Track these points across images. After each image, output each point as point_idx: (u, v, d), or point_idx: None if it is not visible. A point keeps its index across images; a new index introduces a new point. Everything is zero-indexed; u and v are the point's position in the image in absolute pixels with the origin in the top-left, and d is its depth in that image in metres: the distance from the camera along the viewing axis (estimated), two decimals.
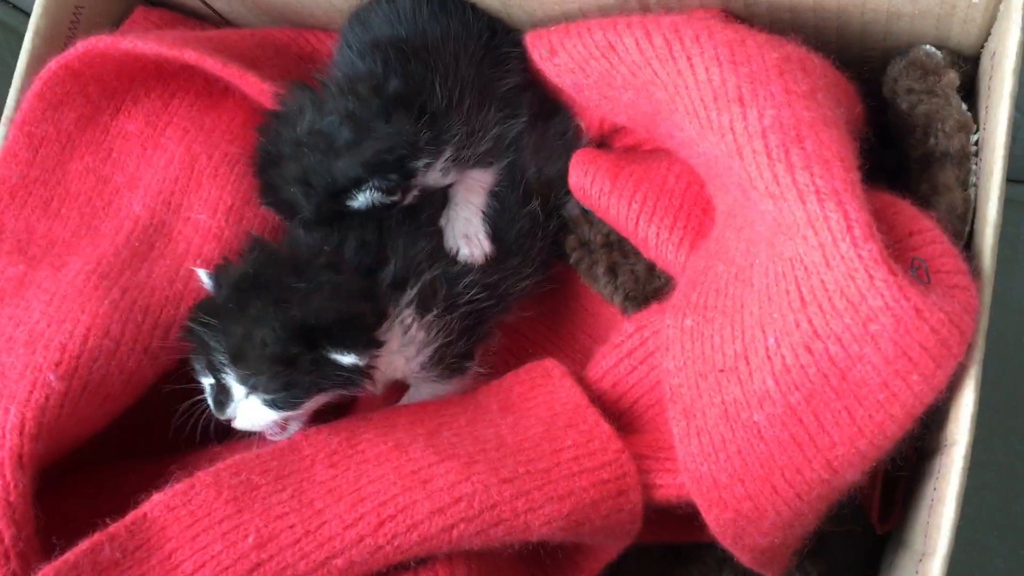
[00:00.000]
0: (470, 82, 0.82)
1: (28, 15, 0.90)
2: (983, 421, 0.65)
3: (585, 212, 0.88)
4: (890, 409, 0.63)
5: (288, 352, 0.71)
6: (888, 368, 0.62)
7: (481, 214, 0.84)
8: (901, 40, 0.79)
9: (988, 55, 0.74)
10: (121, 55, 0.86)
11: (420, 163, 0.77)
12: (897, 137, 0.79)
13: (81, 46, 0.84)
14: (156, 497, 0.69)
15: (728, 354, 0.68)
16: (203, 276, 0.76)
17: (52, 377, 0.72)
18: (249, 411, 0.73)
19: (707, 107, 0.71)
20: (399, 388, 0.86)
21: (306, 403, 0.73)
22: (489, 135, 0.83)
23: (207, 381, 0.75)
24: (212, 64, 0.87)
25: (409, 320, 0.78)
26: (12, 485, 0.68)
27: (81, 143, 0.86)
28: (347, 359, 0.72)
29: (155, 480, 0.71)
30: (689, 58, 0.73)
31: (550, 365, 0.79)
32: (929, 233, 0.65)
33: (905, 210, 0.67)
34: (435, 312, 0.79)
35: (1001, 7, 0.70)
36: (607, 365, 0.79)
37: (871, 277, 0.60)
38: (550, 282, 0.91)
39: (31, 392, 0.71)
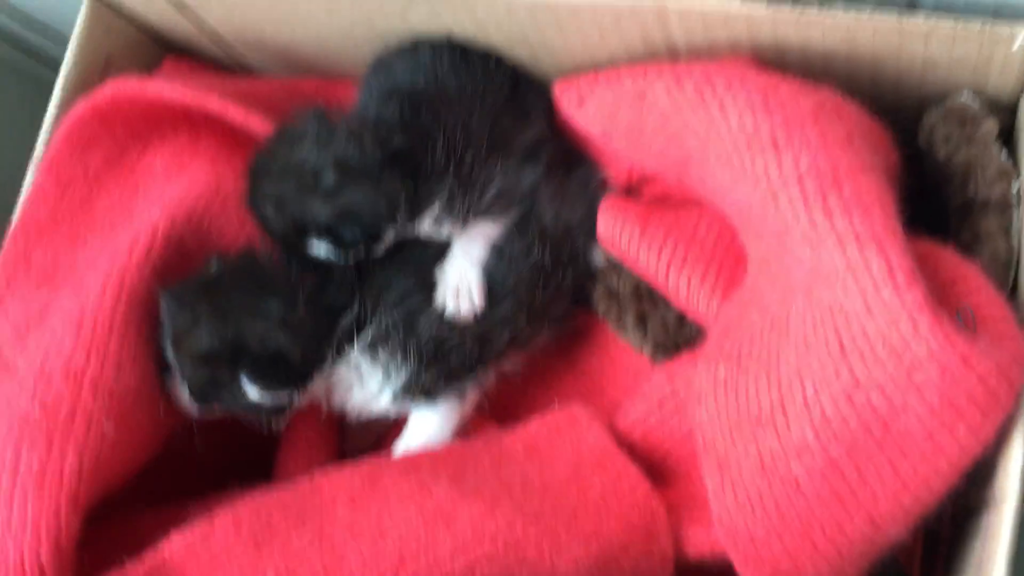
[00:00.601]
0: (482, 135, 0.81)
1: (56, 68, 0.91)
2: None
3: (613, 262, 0.87)
4: (935, 462, 0.61)
5: (209, 361, 0.75)
6: (933, 419, 0.60)
7: (479, 267, 0.82)
8: (937, 89, 0.78)
9: None
10: (149, 100, 0.86)
11: (393, 226, 0.77)
12: (934, 187, 0.77)
13: (109, 88, 0.85)
14: (175, 537, 0.67)
15: (764, 404, 0.66)
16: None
17: (107, 425, 0.72)
18: (183, 394, 0.77)
19: (740, 153, 0.70)
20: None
21: (219, 411, 0.77)
22: (496, 187, 0.82)
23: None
24: (235, 112, 0.87)
25: (361, 363, 0.80)
26: (66, 530, 0.68)
27: (108, 181, 0.86)
28: (252, 392, 0.75)
29: (175, 521, 0.69)
30: (721, 104, 0.72)
31: (578, 410, 0.77)
32: (973, 281, 0.64)
33: (947, 258, 0.65)
34: (389, 354, 0.80)
35: None
36: (636, 415, 0.77)
37: (915, 324, 0.58)
38: (572, 333, 0.89)
39: (86, 437, 0.71)
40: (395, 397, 0.82)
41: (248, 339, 0.75)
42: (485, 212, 0.82)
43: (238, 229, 0.87)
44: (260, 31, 0.95)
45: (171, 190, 0.85)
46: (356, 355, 0.80)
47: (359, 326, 0.80)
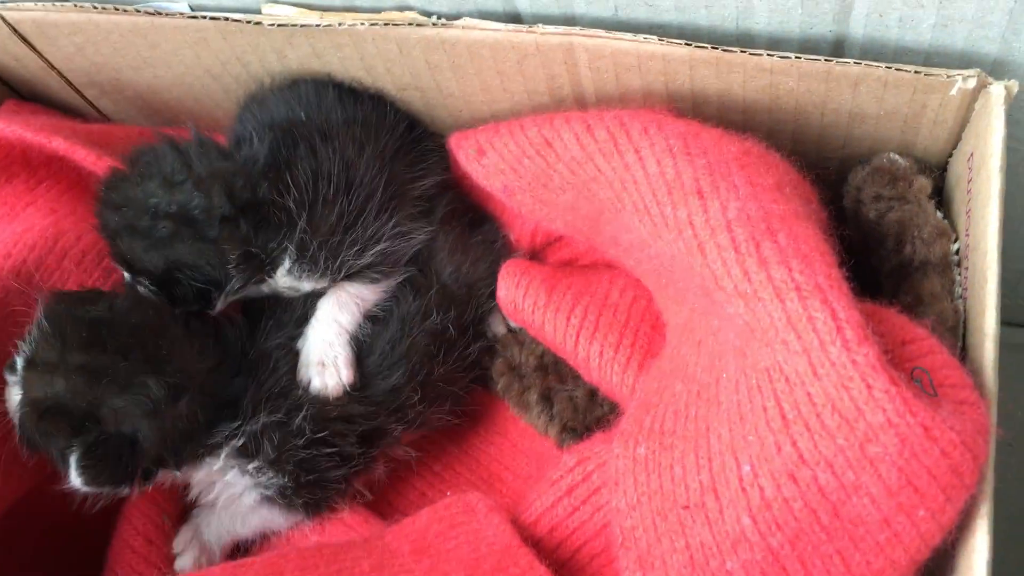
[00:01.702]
0: (370, 180, 0.72)
1: None
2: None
3: (513, 331, 0.77)
4: (891, 553, 0.52)
5: (49, 413, 0.64)
6: (890, 500, 0.51)
7: (346, 336, 0.72)
8: (863, 146, 0.73)
9: (963, 158, 0.68)
10: None
11: (230, 282, 0.69)
12: (863, 248, 0.71)
13: None
14: None
15: (693, 487, 0.57)
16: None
17: None
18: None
19: (660, 202, 0.62)
20: None
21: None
22: (377, 246, 0.72)
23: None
24: (84, 156, 0.76)
25: (227, 470, 0.70)
26: None
27: None
28: (75, 478, 0.64)
29: None
30: (637, 151, 0.64)
31: (474, 499, 0.66)
32: (925, 342, 0.56)
33: (893, 318, 0.58)
34: (261, 461, 0.69)
35: (978, 104, 0.64)
36: (543, 506, 0.66)
37: (869, 387, 0.50)
38: (466, 416, 0.79)
39: None
40: (262, 505, 0.71)
41: (104, 416, 0.64)
42: (362, 272, 0.72)
43: (77, 287, 0.75)
44: (116, 72, 0.85)
45: None
46: (223, 459, 0.69)
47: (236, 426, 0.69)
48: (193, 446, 0.67)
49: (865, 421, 0.50)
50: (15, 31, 0.81)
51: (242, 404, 0.68)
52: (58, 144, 0.75)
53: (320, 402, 0.69)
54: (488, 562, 0.61)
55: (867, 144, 0.73)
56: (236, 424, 0.68)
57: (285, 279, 0.71)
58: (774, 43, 0.68)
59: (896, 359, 0.54)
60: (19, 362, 0.65)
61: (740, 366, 0.56)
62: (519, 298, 0.73)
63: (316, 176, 0.70)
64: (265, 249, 0.69)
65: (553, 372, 0.75)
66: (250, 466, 0.68)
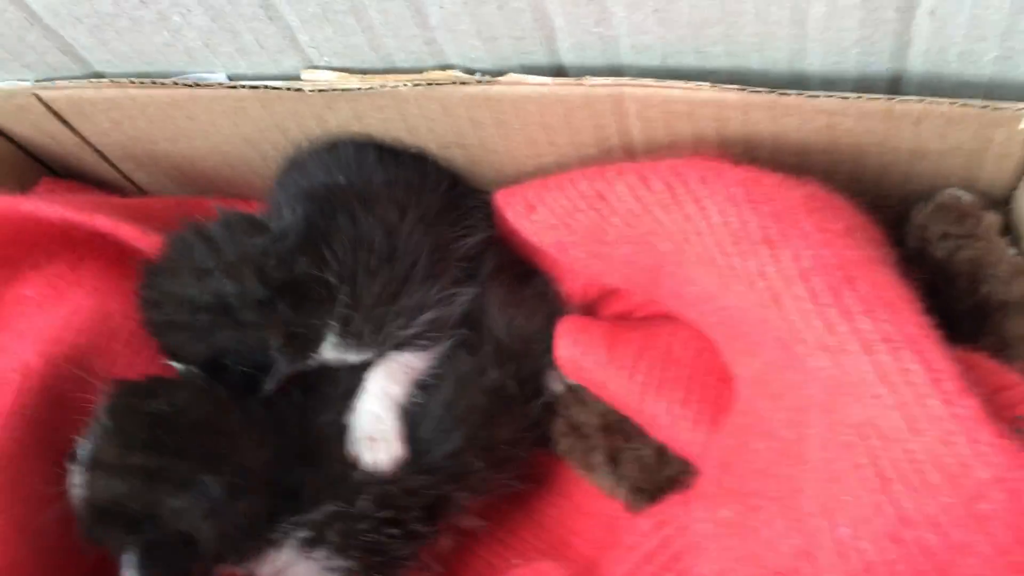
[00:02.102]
0: (413, 243, 0.70)
1: None
2: None
3: (573, 389, 0.75)
4: None
5: (105, 515, 0.63)
6: (1001, 560, 0.48)
7: (396, 408, 0.70)
8: (924, 183, 0.71)
9: None
10: (20, 219, 0.73)
11: (276, 363, 0.67)
12: (931, 289, 0.68)
13: None
14: None
15: (785, 551, 0.54)
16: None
17: None
18: None
19: (727, 253, 0.60)
20: None
21: None
22: (424, 315, 0.70)
23: None
24: (128, 232, 0.75)
25: (291, 562, 0.67)
26: None
27: None
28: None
29: None
30: (697, 201, 0.63)
31: (546, 569, 0.63)
32: (1019, 388, 0.54)
33: (984, 364, 0.56)
34: (326, 551, 0.67)
35: None
36: (621, 574, 0.63)
37: (974, 442, 0.48)
38: (529, 479, 0.76)
39: None
40: None
41: (162, 516, 0.62)
42: (408, 342, 0.70)
43: (126, 369, 0.73)
44: (152, 144, 0.84)
45: (46, 323, 0.71)
46: (286, 552, 0.67)
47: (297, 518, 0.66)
48: (255, 541, 0.65)
49: (972, 477, 0.48)
50: (50, 109, 0.81)
51: (303, 494, 0.66)
52: (101, 222, 0.73)
53: (379, 480, 0.67)
54: None
55: (928, 181, 0.71)
56: (298, 516, 0.65)
57: (331, 353, 0.69)
58: (829, 83, 0.67)
59: (992, 408, 0.52)
60: (80, 455, 0.63)
61: (827, 423, 0.54)
62: (579, 355, 0.71)
63: (356, 245, 0.68)
64: (308, 326, 0.67)
65: (618, 431, 0.72)
66: (315, 554, 0.66)
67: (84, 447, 0.63)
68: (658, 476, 0.70)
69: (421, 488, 0.68)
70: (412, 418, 0.69)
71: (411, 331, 0.69)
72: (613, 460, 0.71)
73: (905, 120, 0.65)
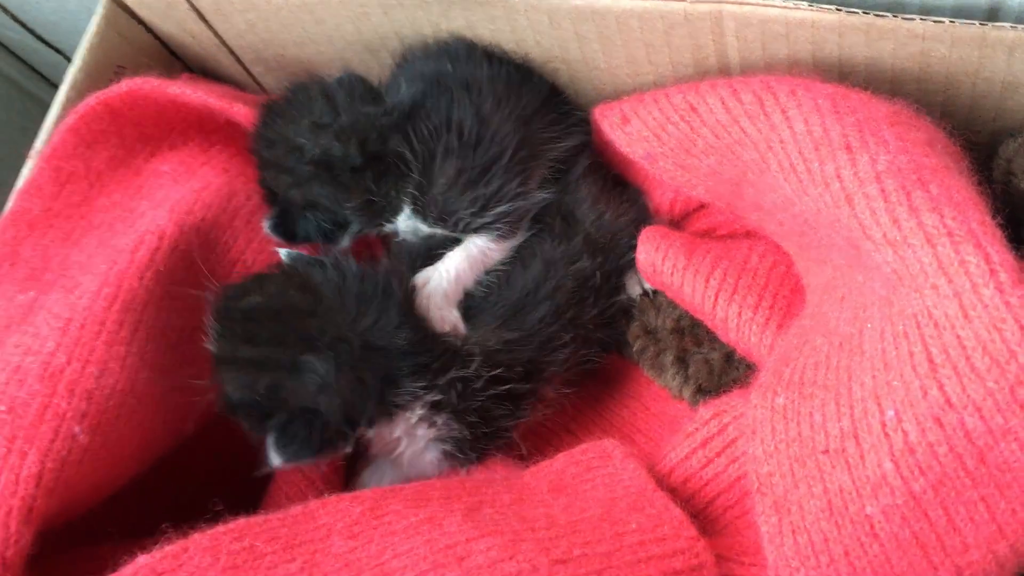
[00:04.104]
0: (504, 137, 0.75)
1: (56, 87, 0.86)
2: None
3: (649, 295, 0.79)
4: None
5: (240, 408, 0.69)
6: None
7: (456, 289, 0.75)
8: (1016, 119, 0.72)
9: None
10: (166, 101, 0.81)
11: (351, 227, 0.76)
12: (1014, 220, 0.70)
13: (125, 85, 0.79)
14: (141, 559, 0.57)
15: (833, 433, 0.57)
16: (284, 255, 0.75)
17: (78, 429, 0.63)
18: None
19: (807, 159, 0.63)
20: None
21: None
22: (499, 207, 0.75)
23: None
24: None
25: (414, 428, 0.72)
26: (14, 539, 0.59)
27: (110, 181, 0.80)
28: (272, 457, 0.67)
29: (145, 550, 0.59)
30: (784, 111, 0.65)
31: (609, 445, 0.68)
32: None
33: None
34: (445, 418, 0.72)
35: None
36: (677, 457, 0.67)
37: (1023, 329, 0.50)
38: (601, 379, 0.80)
39: (52, 441, 0.63)
40: (439, 457, 0.74)
41: (285, 399, 0.67)
42: (484, 228, 0.75)
43: (245, 245, 0.80)
44: (281, 48, 0.91)
45: (180, 194, 0.78)
46: (416, 413, 0.72)
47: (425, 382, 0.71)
48: (380, 405, 0.70)
49: (1017, 363, 0.50)
50: (194, 8, 0.88)
51: (425, 354, 0.70)
52: (238, 109, 0.80)
53: (484, 341, 0.72)
54: (624, 502, 0.63)
55: (1019, 117, 0.72)
56: (426, 380, 0.70)
57: (406, 223, 0.76)
58: (926, 11, 0.68)
59: None
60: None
61: (886, 315, 0.57)
62: (658, 261, 0.75)
63: (442, 127, 0.74)
64: (385, 197, 0.74)
65: (689, 335, 0.76)
66: (438, 418, 0.71)
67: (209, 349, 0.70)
68: (723, 379, 0.73)
69: (517, 344, 0.72)
70: (501, 290, 0.75)
71: (484, 219, 0.74)
72: (682, 361, 0.75)
73: (999, 48, 0.66)
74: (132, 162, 0.82)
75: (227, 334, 0.70)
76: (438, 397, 0.71)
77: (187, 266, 0.76)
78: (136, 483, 0.70)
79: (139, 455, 0.69)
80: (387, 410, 0.71)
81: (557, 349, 0.74)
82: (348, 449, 0.70)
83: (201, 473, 0.74)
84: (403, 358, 0.70)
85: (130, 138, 0.82)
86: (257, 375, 0.68)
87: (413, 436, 0.73)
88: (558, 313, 0.74)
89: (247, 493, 0.73)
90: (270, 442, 0.67)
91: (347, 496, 0.63)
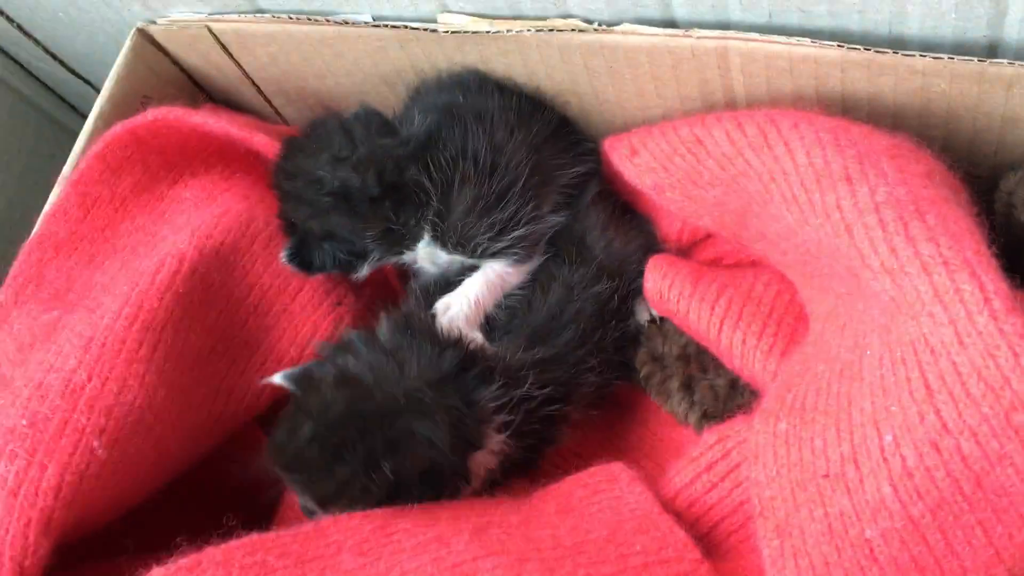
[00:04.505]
0: (519, 162, 0.77)
1: (85, 117, 0.89)
2: None
3: (657, 322, 0.80)
4: None
5: (374, 494, 0.66)
6: None
7: (476, 313, 0.77)
8: (1015, 153, 0.74)
9: None
10: (189, 130, 0.84)
11: (371, 256, 0.77)
12: (1014, 252, 0.71)
13: (151, 114, 0.82)
14: (156, 572, 0.59)
15: (833, 458, 0.58)
16: (282, 380, 0.72)
17: (96, 444, 0.65)
18: None
19: (808, 190, 0.65)
20: None
21: None
22: (516, 231, 0.77)
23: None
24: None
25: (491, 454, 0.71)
26: (32, 550, 0.61)
27: (134, 207, 0.83)
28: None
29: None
30: (787, 143, 0.67)
31: (616, 468, 0.69)
32: None
33: None
34: (511, 430, 0.72)
35: None
36: (681, 482, 0.69)
37: (1016, 355, 0.51)
38: (610, 404, 0.82)
39: (72, 455, 0.64)
40: (486, 476, 0.73)
41: (403, 471, 0.66)
42: (501, 253, 0.77)
43: (263, 268, 0.82)
44: (302, 81, 0.94)
45: (200, 219, 0.80)
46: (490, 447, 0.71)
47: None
48: (475, 424, 0.69)
49: (1011, 389, 0.51)
50: (218, 41, 0.91)
51: (479, 367, 0.70)
52: (259, 139, 0.83)
53: (522, 360, 0.73)
54: (629, 524, 0.64)
55: (1020, 151, 0.74)
56: (497, 396, 0.70)
57: (425, 251, 0.78)
58: (926, 48, 0.70)
59: None
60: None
61: (885, 342, 0.58)
62: (665, 288, 0.76)
63: (459, 155, 0.76)
64: (404, 225, 0.76)
65: (695, 361, 0.77)
66: (502, 439, 0.71)
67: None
68: (728, 405, 0.74)
69: (554, 365, 0.74)
70: (524, 315, 0.76)
71: (501, 244, 0.76)
72: (688, 387, 0.76)
73: (998, 84, 0.68)
74: (156, 188, 0.84)
75: (313, 476, 0.67)
76: (509, 418, 0.70)
77: (206, 288, 0.78)
78: (153, 499, 0.71)
79: (156, 472, 0.71)
80: (480, 429, 0.69)
81: (586, 372, 0.76)
82: (470, 484, 0.69)
83: (216, 489, 0.76)
84: (461, 377, 0.69)
85: (154, 165, 0.84)
86: (366, 481, 0.65)
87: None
88: (584, 337, 0.76)
89: (260, 509, 0.74)
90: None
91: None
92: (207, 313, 0.77)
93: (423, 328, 0.73)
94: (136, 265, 0.77)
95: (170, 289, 0.75)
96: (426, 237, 0.77)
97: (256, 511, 0.72)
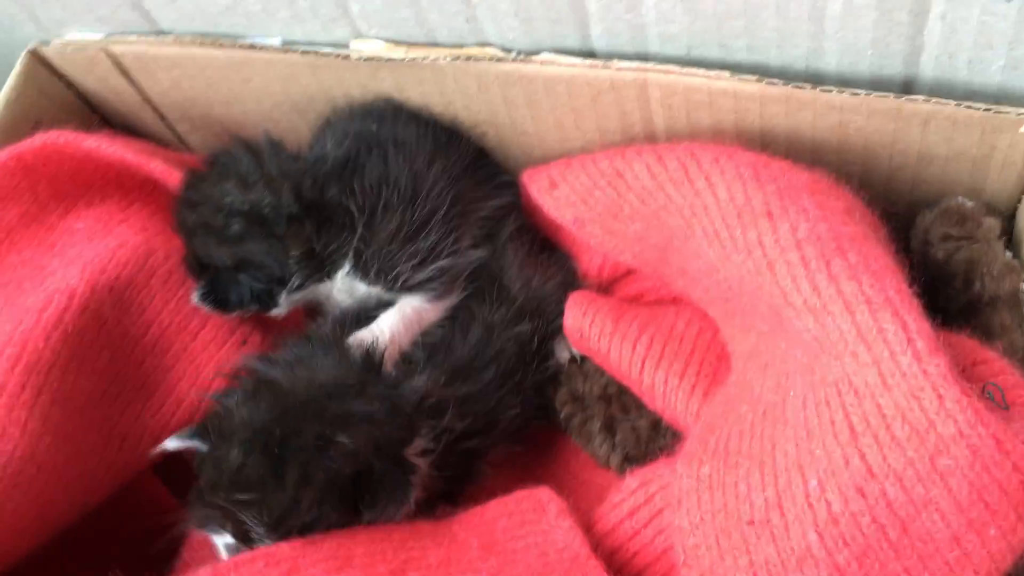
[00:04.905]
0: (437, 193, 0.74)
1: None
2: None
3: (577, 361, 0.78)
4: (961, 573, 0.51)
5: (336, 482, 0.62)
6: (960, 517, 0.50)
7: (391, 351, 0.72)
8: (931, 190, 0.74)
9: None
10: (82, 156, 0.79)
11: (292, 279, 0.72)
12: (930, 289, 0.71)
13: (39, 139, 0.77)
14: None
15: (758, 504, 0.56)
16: (178, 442, 0.66)
17: None
18: None
19: (730, 226, 0.63)
20: None
21: None
22: (437, 262, 0.74)
23: (221, 540, 0.64)
24: (178, 179, 0.79)
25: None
26: None
27: (22, 239, 0.77)
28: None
29: None
30: (708, 178, 0.66)
31: (545, 497, 0.66)
32: (996, 363, 0.56)
33: (964, 341, 0.58)
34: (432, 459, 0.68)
35: None
36: (604, 528, 0.66)
37: (940, 398, 0.50)
38: (530, 446, 0.79)
39: None
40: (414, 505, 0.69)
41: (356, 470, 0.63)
42: (420, 286, 0.74)
43: (161, 305, 0.78)
44: (207, 107, 0.89)
45: (94, 252, 0.75)
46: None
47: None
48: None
49: (936, 433, 0.50)
50: (116, 64, 0.87)
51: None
52: (156, 166, 0.78)
53: (444, 394, 0.70)
54: (557, 570, 0.61)
55: (935, 188, 0.74)
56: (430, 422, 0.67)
57: (343, 281, 0.74)
58: (844, 83, 0.70)
59: (967, 378, 0.54)
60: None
61: (808, 382, 0.57)
62: (585, 326, 0.74)
63: (382, 182, 0.73)
64: (326, 249, 0.72)
65: (616, 402, 0.75)
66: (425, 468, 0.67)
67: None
68: (651, 447, 0.72)
69: (475, 401, 0.71)
70: (442, 355, 0.73)
71: (422, 275, 0.73)
72: (609, 429, 0.74)
73: (913, 120, 0.68)
74: (46, 219, 0.79)
75: (264, 489, 0.61)
76: (430, 445, 0.67)
77: (99, 327, 0.73)
78: (34, 553, 0.66)
79: (37, 527, 0.65)
80: (412, 418, 0.66)
81: (507, 410, 0.73)
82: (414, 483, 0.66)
83: (105, 542, 0.71)
84: (380, 372, 0.67)
85: (44, 195, 0.79)
86: (322, 464, 0.61)
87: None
88: (504, 377, 0.73)
89: (151, 563, 0.69)
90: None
91: (261, 555, 0.60)
92: (99, 353, 0.72)
93: (330, 339, 0.70)
94: (21, 302, 0.72)
95: (58, 327, 0.69)
96: (346, 266, 0.73)
97: (146, 565, 0.67)
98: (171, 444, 0.66)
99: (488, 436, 0.72)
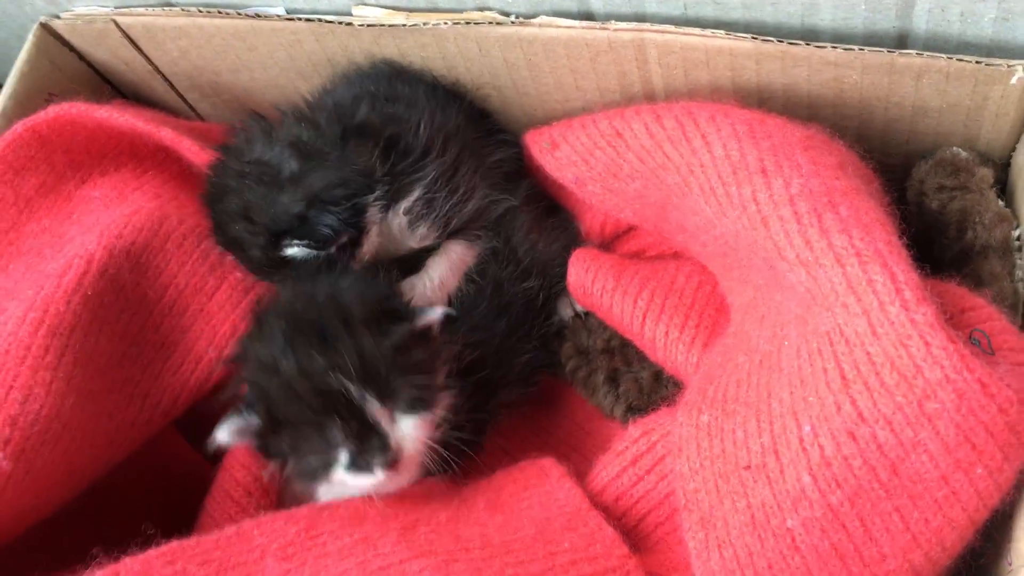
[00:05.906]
0: (458, 138, 0.76)
1: None
2: None
3: (581, 316, 0.80)
4: (949, 511, 0.53)
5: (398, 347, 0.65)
6: (947, 457, 0.53)
7: (442, 296, 0.75)
8: (926, 141, 0.75)
9: None
10: (95, 126, 0.81)
11: (373, 199, 0.70)
12: (925, 239, 0.72)
13: (52, 111, 0.79)
14: None
15: (754, 449, 0.59)
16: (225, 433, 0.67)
17: (1, 456, 0.63)
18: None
19: (725, 182, 0.65)
20: None
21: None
22: (474, 201, 0.76)
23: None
24: (189, 147, 0.81)
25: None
26: None
27: (40, 208, 0.79)
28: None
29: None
30: (704, 136, 0.68)
31: (547, 464, 0.69)
32: (984, 310, 0.58)
33: (953, 289, 0.60)
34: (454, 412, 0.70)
35: None
36: (608, 476, 0.69)
37: (927, 344, 0.52)
38: (537, 398, 0.82)
39: None
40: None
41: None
42: (464, 228, 0.76)
43: (177, 268, 0.80)
44: (215, 75, 0.91)
45: (110, 218, 0.78)
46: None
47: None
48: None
49: (923, 378, 0.52)
50: (126, 35, 0.88)
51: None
52: (166, 134, 0.80)
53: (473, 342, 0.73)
54: (558, 521, 0.63)
55: (930, 139, 0.75)
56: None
57: (406, 222, 0.74)
58: (838, 39, 0.71)
59: (955, 325, 0.56)
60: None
61: (801, 332, 0.59)
62: (588, 282, 0.76)
63: (418, 127, 0.74)
64: (395, 168, 0.72)
65: (619, 355, 0.77)
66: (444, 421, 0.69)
67: None
68: (653, 397, 0.75)
69: (487, 349, 0.74)
70: (462, 307, 0.76)
71: (466, 212, 0.75)
72: (613, 381, 0.76)
73: (907, 74, 0.69)
74: (62, 188, 0.81)
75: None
76: (455, 399, 0.69)
77: (117, 290, 0.75)
78: (65, 510, 0.69)
79: (66, 482, 0.68)
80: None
81: (519, 355, 0.76)
82: None
83: (133, 497, 0.74)
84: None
85: (60, 164, 0.81)
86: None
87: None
88: (513, 327, 0.76)
89: (181, 515, 0.72)
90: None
91: (282, 515, 0.63)
92: (118, 316, 0.74)
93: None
94: (42, 268, 0.74)
95: (78, 292, 0.72)
96: (417, 192, 0.73)
97: (176, 518, 0.70)
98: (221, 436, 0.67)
99: (502, 374, 0.75)
